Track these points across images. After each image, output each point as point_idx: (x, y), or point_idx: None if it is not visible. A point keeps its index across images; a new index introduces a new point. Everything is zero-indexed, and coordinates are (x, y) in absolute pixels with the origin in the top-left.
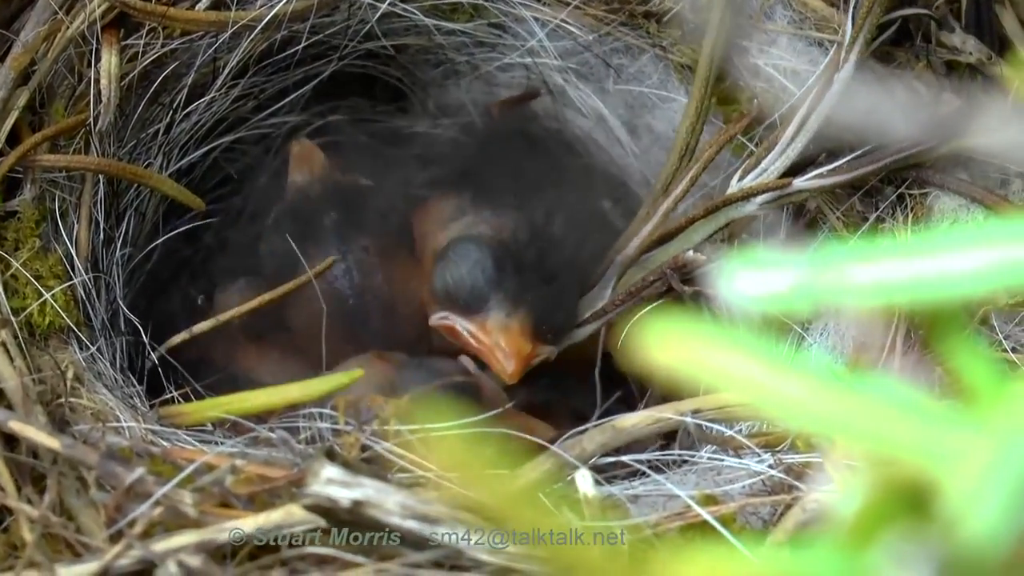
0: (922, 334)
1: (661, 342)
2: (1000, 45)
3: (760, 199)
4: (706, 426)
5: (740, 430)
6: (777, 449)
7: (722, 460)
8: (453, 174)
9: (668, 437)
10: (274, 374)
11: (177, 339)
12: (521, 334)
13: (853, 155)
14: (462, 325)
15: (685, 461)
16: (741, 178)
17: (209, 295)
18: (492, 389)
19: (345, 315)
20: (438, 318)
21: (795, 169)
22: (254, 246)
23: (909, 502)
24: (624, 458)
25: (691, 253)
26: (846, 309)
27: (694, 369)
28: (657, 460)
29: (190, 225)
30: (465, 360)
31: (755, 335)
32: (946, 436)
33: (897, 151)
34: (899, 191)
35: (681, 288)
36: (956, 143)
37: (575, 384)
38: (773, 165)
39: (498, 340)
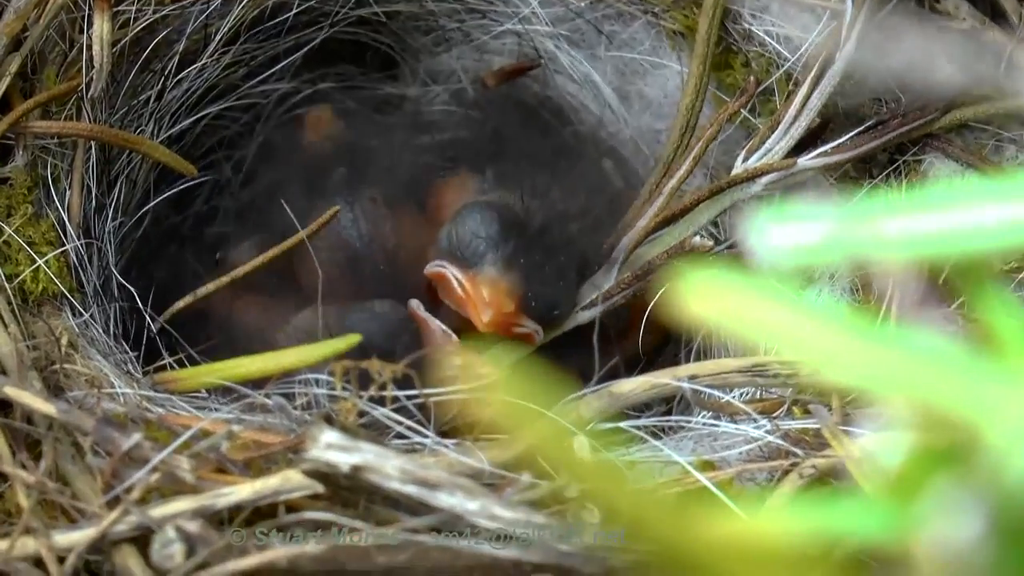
0: (950, 287)
1: (700, 294)
2: (992, 11)
3: (765, 179)
4: (703, 392)
5: (737, 396)
6: (774, 415)
7: (719, 426)
8: (469, 151)
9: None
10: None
11: (181, 303)
12: (507, 293)
13: (856, 131)
14: (452, 273)
15: (682, 427)
16: (745, 159)
17: (223, 254)
18: (440, 333)
19: (353, 263)
20: (433, 265)
21: (799, 145)
22: (263, 205)
23: (951, 452)
24: (622, 424)
25: (697, 239)
26: (875, 261)
27: (733, 322)
28: (654, 426)
29: (181, 187)
30: (413, 303)
31: (785, 285)
32: (983, 387)
33: (900, 125)
34: (893, 157)
35: None
36: (954, 112)
37: (580, 349)
38: (777, 145)
39: (482, 291)
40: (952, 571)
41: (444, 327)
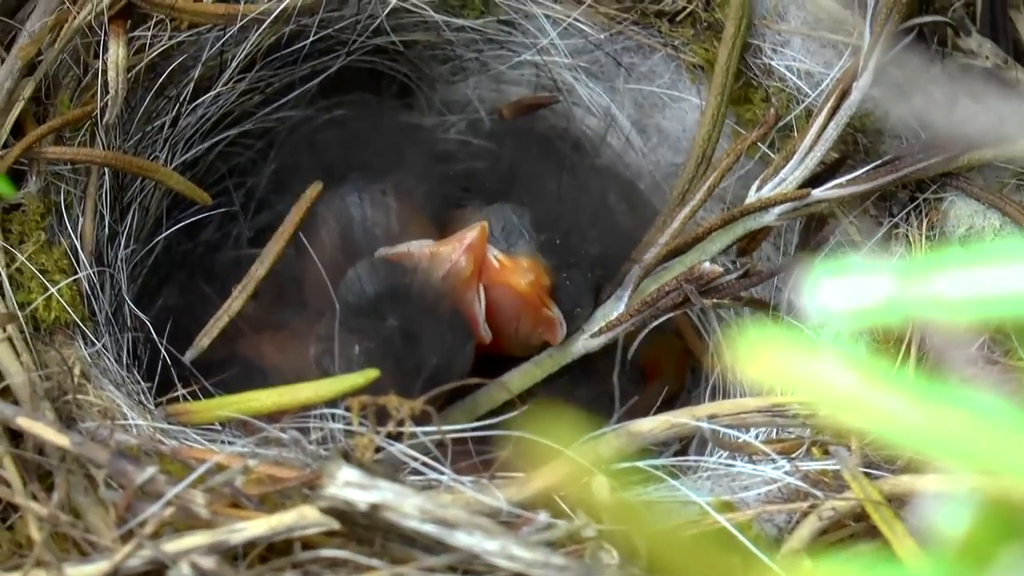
0: (1008, 347)
1: (754, 354)
2: (1015, 50)
3: (778, 210)
4: (722, 432)
5: (755, 436)
6: (793, 456)
7: (736, 466)
8: (483, 184)
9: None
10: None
11: (207, 341)
12: (544, 269)
13: (872, 165)
14: (492, 253)
15: (700, 467)
16: (759, 188)
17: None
18: (417, 247)
19: (350, 246)
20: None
21: (814, 177)
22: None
23: (1014, 520)
24: (639, 463)
25: (708, 264)
26: (932, 322)
27: (787, 381)
28: (672, 466)
29: (197, 216)
30: (380, 251)
31: (841, 345)
32: None
33: (916, 161)
34: (913, 195)
35: (699, 300)
36: (974, 152)
37: (593, 380)
38: (792, 175)
39: (521, 261)
40: None
41: (415, 241)
